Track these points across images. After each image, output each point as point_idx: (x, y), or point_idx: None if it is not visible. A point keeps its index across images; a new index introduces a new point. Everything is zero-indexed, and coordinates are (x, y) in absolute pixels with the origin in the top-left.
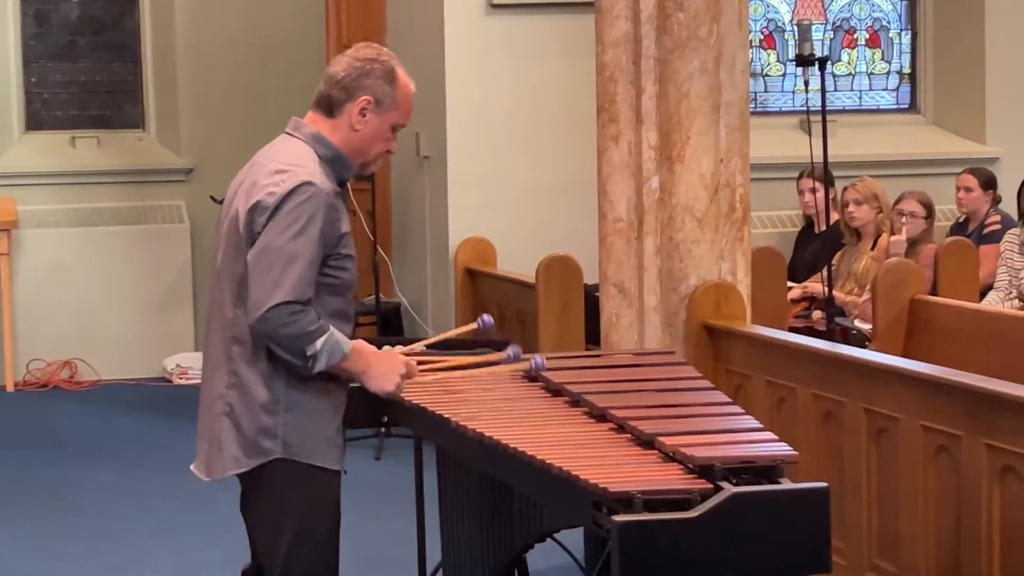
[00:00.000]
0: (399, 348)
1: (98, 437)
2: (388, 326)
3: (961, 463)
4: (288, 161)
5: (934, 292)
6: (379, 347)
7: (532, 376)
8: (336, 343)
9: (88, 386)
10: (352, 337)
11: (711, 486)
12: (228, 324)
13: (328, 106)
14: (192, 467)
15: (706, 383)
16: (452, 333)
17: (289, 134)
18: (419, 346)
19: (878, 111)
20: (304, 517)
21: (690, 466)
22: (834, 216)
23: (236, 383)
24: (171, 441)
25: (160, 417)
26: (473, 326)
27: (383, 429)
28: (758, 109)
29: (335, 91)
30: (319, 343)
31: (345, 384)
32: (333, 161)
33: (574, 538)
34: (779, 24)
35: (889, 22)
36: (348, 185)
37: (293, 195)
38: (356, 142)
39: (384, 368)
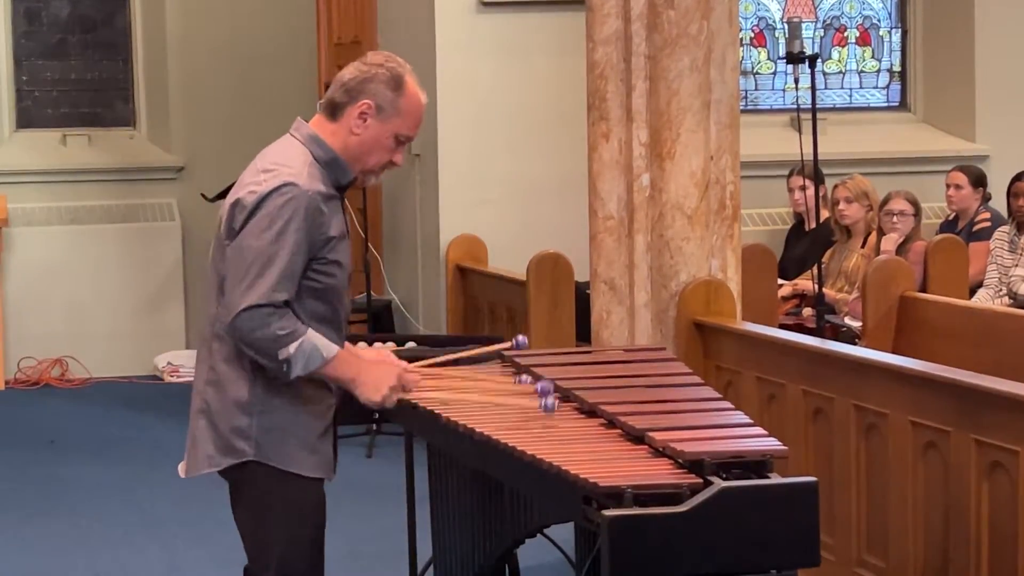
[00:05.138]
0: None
1: (89, 435)
2: (379, 324)
3: (950, 459)
4: (276, 160)
5: (924, 289)
6: (400, 344)
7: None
8: (313, 348)
9: (79, 384)
10: (341, 341)
11: (701, 481)
12: (211, 320)
13: (331, 109)
14: (179, 466)
15: (696, 379)
16: (480, 351)
17: (291, 134)
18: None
19: (868, 109)
20: (281, 523)
21: (680, 461)
22: (824, 214)
23: (214, 380)
24: (162, 439)
25: (151, 415)
26: (507, 344)
27: (374, 426)
28: (749, 107)
29: (339, 94)
30: (292, 347)
31: (333, 389)
32: (329, 164)
33: (565, 534)
34: (770, 22)
35: (879, 20)
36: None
37: (273, 195)
38: (354, 147)
39: (374, 378)
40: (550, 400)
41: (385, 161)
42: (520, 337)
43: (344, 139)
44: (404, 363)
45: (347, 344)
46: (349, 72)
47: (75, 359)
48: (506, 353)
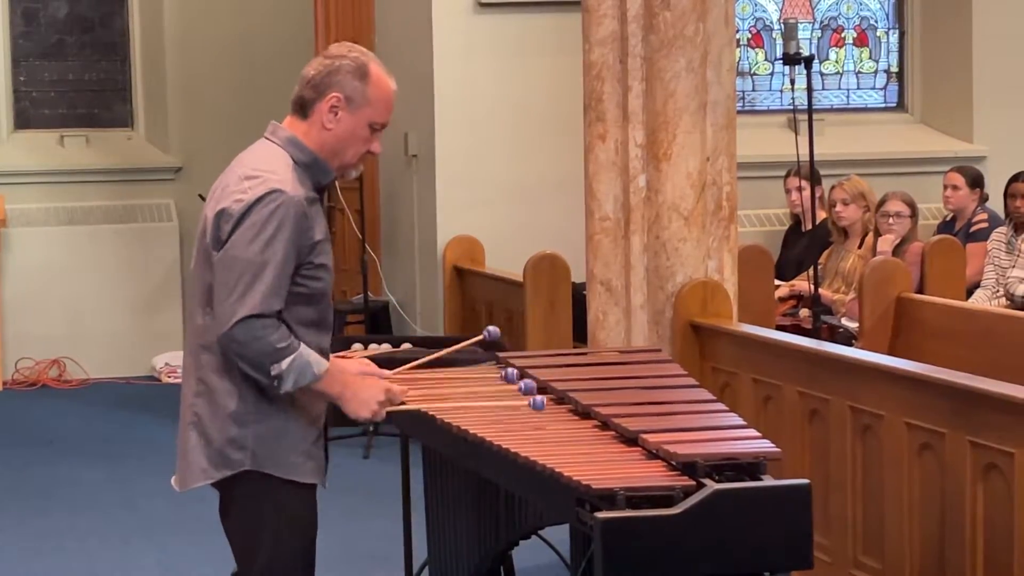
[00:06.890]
0: (386, 371)
1: (86, 435)
2: (376, 325)
3: (945, 460)
4: (259, 167)
5: (921, 290)
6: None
7: (490, 342)
8: (305, 364)
9: (77, 385)
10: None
11: (694, 483)
12: (198, 331)
13: (301, 107)
14: (172, 479)
15: (691, 380)
16: (456, 347)
17: (267, 138)
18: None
19: (866, 110)
20: (276, 532)
21: (673, 463)
22: (821, 215)
23: (204, 391)
24: (159, 439)
25: (148, 415)
26: (479, 337)
27: (371, 428)
28: (746, 108)
29: (306, 91)
30: (285, 363)
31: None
32: (310, 166)
33: (561, 535)
34: (767, 23)
35: (877, 21)
36: (336, 185)
37: (260, 203)
38: (330, 143)
39: (362, 394)
40: (539, 398)
41: (363, 152)
42: (491, 328)
43: (319, 136)
44: (387, 372)
45: (331, 357)
46: (313, 68)
47: (73, 360)
48: (501, 355)
